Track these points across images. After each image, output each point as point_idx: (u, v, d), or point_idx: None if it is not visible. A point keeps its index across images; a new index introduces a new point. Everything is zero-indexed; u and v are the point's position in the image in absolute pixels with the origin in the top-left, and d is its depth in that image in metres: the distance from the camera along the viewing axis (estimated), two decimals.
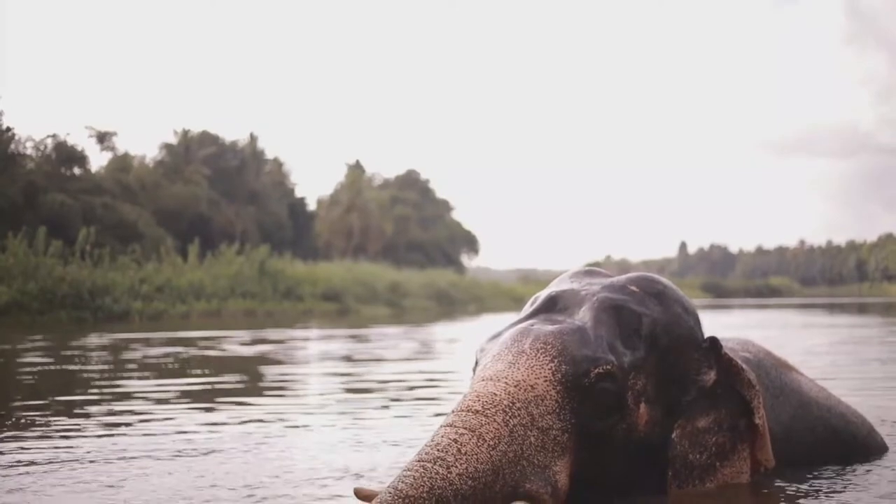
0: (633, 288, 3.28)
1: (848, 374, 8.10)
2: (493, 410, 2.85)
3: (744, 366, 3.31)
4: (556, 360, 2.96)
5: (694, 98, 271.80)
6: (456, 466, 2.71)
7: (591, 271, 3.54)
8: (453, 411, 2.89)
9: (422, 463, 2.72)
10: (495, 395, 2.89)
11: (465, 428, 2.80)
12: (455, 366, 9.84)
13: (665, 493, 3.11)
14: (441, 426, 2.85)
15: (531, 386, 2.92)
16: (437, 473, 2.70)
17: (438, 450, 2.75)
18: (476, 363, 3.24)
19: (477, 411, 2.85)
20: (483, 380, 2.99)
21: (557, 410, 2.91)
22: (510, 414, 2.85)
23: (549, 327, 3.10)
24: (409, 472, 2.70)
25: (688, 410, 3.17)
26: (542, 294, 3.40)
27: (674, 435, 3.11)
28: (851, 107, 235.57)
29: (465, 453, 2.74)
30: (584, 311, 3.18)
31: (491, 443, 2.78)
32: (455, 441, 2.77)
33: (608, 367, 2.97)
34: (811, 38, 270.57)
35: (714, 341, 3.26)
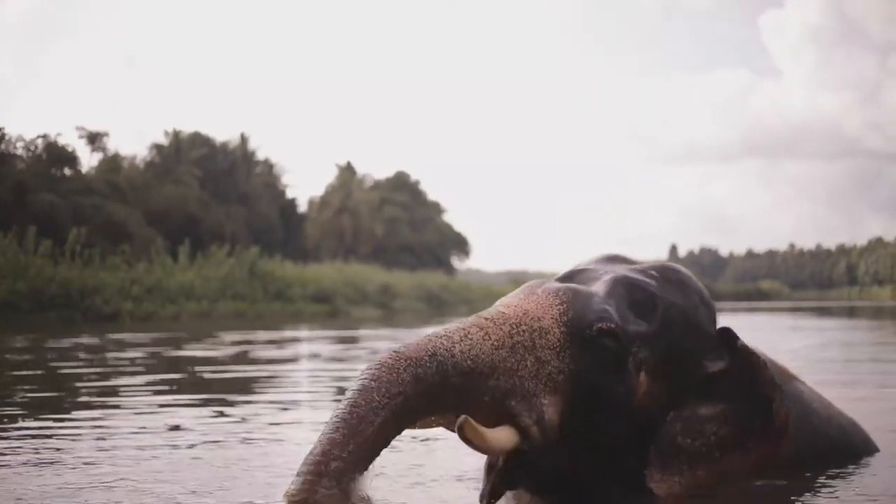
0: (653, 272, 3.32)
1: (836, 377, 8.11)
2: (502, 321, 2.95)
3: (765, 361, 3.29)
4: (563, 305, 3.04)
5: (685, 99, 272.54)
6: (460, 344, 2.80)
7: (615, 257, 3.56)
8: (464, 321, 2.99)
9: (427, 336, 2.82)
10: (504, 313, 3.00)
11: (474, 325, 2.91)
12: None
13: (648, 467, 3.09)
14: (453, 325, 2.94)
15: (538, 317, 3.00)
16: (441, 345, 2.78)
17: (445, 331, 2.85)
18: None
19: (486, 318, 2.96)
20: (494, 306, 3.10)
21: (557, 349, 2.96)
22: (516, 330, 2.94)
23: (562, 284, 3.20)
24: (411, 342, 2.78)
25: (693, 396, 3.16)
26: (565, 272, 3.49)
27: (670, 415, 3.13)
28: (838, 109, 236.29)
29: (471, 338, 2.84)
30: (599, 284, 3.24)
31: (495, 342, 2.88)
32: (462, 329, 2.88)
33: (612, 325, 3.02)
34: (797, 41, 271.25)
35: (727, 331, 3.26)
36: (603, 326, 3.00)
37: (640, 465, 3.10)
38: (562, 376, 2.95)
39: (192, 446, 4.67)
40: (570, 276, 3.39)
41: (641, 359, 3.08)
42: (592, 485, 3.11)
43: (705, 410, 3.17)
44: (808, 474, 3.61)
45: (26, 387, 7.93)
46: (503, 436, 2.86)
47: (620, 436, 3.07)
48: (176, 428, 5.32)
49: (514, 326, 2.94)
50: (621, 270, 3.30)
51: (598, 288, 3.20)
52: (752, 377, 3.22)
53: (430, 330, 2.90)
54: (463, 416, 2.76)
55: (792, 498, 3.37)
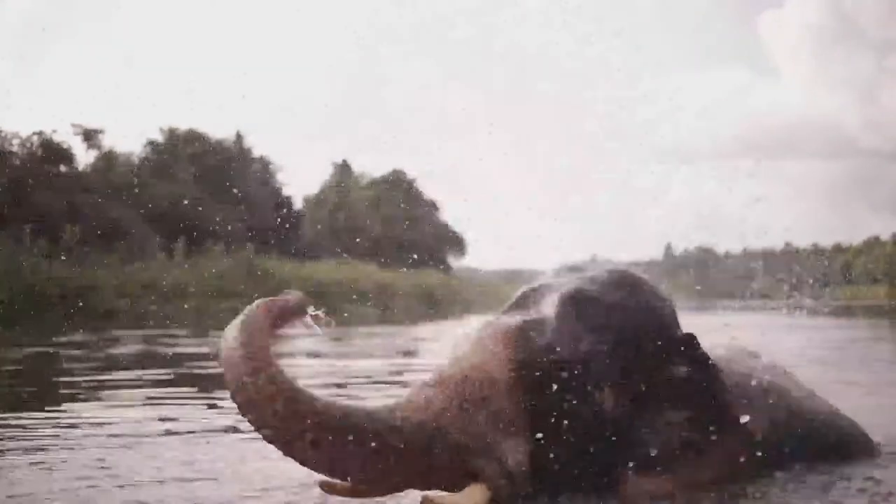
0: (607, 280, 3.29)
1: (833, 376, 8.11)
2: (445, 384, 2.91)
3: (721, 367, 3.30)
4: (510, 347, 3.00)
5: (675, 97, 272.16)
6: (398, 410, 2.79)
7: (573, 267, 3.53)
8: (409, 389, 2.97)
9: (366, 408, 2.78)
10: (452, 374, 2.96)
11: (416, 395, 2.87)
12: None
13: (624, 479, 3.09)
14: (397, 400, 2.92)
15: (486, 370, 2.95)
16: (380, 412, 2.76)
17: (385, 405, 2.82)
18: None
19: (429, 385, 2.91)
20: (443, 365, 3.05)
21: (511, 394, 2.94)
22: (461, 388, 2.89)
23: (510, 319, 3.14)
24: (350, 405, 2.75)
25: (659, 403, 3.15)
26: (521, 290, 3.44)
27: (640, 424, 3.11)
28: (836, 109, 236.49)
29: (412, 403, 2.83)
30: (551, 303, 3.21)
31: (439, 407, 2.85)
32: (405, 398, 2.87)
33: (563, 353, 3.01)
34: (795, 40, 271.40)
35: (690, 337, 3.25)
36: (555, 357, 3.00)
37: (615, 475, 3.09)
38: (520, 418, 2.93)
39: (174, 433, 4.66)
40: (525, 297, 3.35)
41: (602, 375, 3.06)
42: (570, 496, 3.09)
43: (672, 416, 3.17)
44: (804, 472, 3.60)
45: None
46: (473, 497, 2.83)
47: (594, 453, 3.05)
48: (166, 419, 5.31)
49: (459, 384, 2.90)
50: (572, 284, 3.28)
51: (548, 309, 3.18)
52: (711, 381, 3.22)
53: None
54: (423, 495, 2.75)
55: (787, 497, 3.35)
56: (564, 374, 2.96)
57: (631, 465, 3.05)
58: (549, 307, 3.19)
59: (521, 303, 3.33)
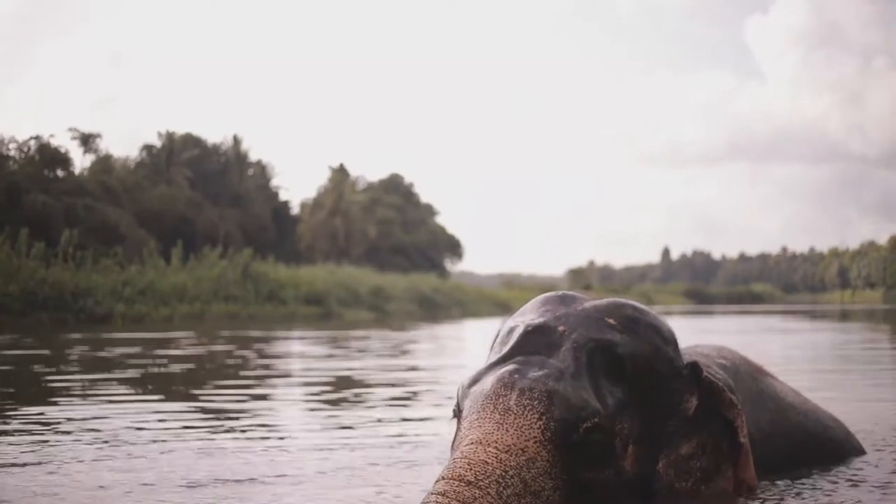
0: (610, 320, 3.20)
1: (827, 379, 8.15)
2: (486, 482, 2.78)
3: (725, 386, 3.28)
4: (544, 418, 2.90)
5: (670, 101, 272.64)
6: None
7: (563, 297, 3.42)
8: (444, 477, 2.82)
9: None
10: (486, 462, 2.82)
11: (459, 501, 2.73)
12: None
13: None
14: (433, 493, 2.78)
15: (521, 450, 2.86)
16: None
17: None
18: (457, 407, 3.17)
19: (469, 482, 2.78)
20: (472, 443, 2.91)
21: (549, 470, 2.86)
22: (503, 484, 2.79)
23: (533, 376, 3.01)
24: None
25: (671, 439, 3.13)
26: (517, 328, 3.28)
27: (659, 466, 3.09)
28: (821, 113, 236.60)
29: None
30: (565, 351, 3.09)
31: None
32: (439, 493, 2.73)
33: (596, 419, 2.93)
34: (780, 43, 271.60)
35: (695, 367, 3.22)
36: (590, 425, 2.92)
37: None
38: (557, 493, 2.87)
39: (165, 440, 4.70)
40: (528, 339, 3.19)
41: (626, 433, 3.02)
42: None
43: (686, 449, 3.16)
44: (786, 478, 3.63)
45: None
46: None
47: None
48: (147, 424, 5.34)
49: (500, 480, 2.79)
50: (579, 328, 3.16)
51: (566, 358, 3.06)
52: (715, 403, 3.22)
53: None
54: None
55: (779, 497, 3.38)
56: (598, 439, 2.91)
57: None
58: (563, 356, 3.07)
59: (525, 345, 3.17)
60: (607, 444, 2.96)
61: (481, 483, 2.77)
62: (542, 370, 3.02)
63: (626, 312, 3.26)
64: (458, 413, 3.15)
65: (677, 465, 3.12)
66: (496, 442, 2.87)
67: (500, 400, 2.97)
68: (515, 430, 2.88)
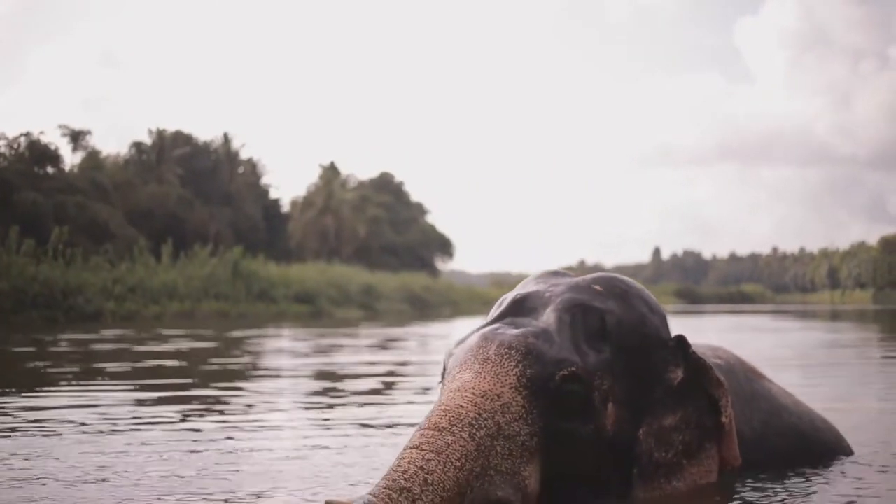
0: (597, 287, 3.28)
1: (816, 380, 8.16)
2: (460, 426, 2.82)
3: (711, 363, 3.33)
4: (520, 365, 2.96)
5: (660, 103, 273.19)
6: (422, 498, 2.67)
7: (556, 273, 3.53)
8: (421, 427, 2.86)
9: (388, 491, 2.67)
10: (461, 406, 2.88)
11: (433, 451, 2.77)
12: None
13: (631, 491, 3.11)
14: (408, 447, 2.80)
15: (497, 395, 2.91)
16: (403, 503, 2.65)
17: (405, 479, 2.70)
18: (444, 368, 3.22)
19: (443, 428, 2.83)
20: (451, 391, 2.97)
21: (524, 416, 2.90)
22: (476, 426, 2.83)
23: (513, 331, 3.10)
24: (375, 500, 2.64)
25: (655, 409, 3.17)
26: (508, 297, 3.40)
27: (640, 433, 3.11)
28: (810, 115, 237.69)
29: (432, 483, 2.70)
30: (549, 312, 3.18)
31: (458, 464, 2.75)
32: (422, 469, 2.72)
33: (573, 368, 2.97)
34: (770, 46, 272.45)
35: (681, 339, 3.27)
36: (566, 373, 2.96)
37: (621, 487, 3.10)
38: (534, 439, 2.90)
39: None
40: (518, 304, 3.31)
41: (605, 390, 3.05)
42: None
43: (669, 420, 3.19)
44: (777, 478, 3.64)
45: None
46: None
47: (598, 468, 3.06)
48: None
49: (474, 423, 2.83)
50: (566, 292, 3.25)
51: (549, 318, 3.15)
52: (701, 380, 3.25)
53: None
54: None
55: (771, 498, 3.39)
56: (575, 389, 2.96)
57: (635, 471, 3.05)
58: (547, 315, 3.16)
59: (514, 311, 3.27)
60: (585, 398, 3.00)
61: (454, 428, 2.82)
62: (524, 327, 3.12)
63: (614, 282, 3.35)
64: (444, 374, 3.21)
65: (659, 434, 3.15)
66: (473, 388, 2.94)
67: (480, 351, 3.05)
68: (492, 376, 2.95)
